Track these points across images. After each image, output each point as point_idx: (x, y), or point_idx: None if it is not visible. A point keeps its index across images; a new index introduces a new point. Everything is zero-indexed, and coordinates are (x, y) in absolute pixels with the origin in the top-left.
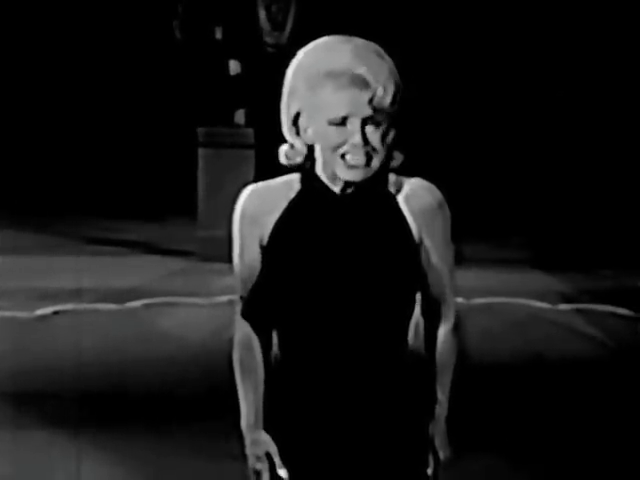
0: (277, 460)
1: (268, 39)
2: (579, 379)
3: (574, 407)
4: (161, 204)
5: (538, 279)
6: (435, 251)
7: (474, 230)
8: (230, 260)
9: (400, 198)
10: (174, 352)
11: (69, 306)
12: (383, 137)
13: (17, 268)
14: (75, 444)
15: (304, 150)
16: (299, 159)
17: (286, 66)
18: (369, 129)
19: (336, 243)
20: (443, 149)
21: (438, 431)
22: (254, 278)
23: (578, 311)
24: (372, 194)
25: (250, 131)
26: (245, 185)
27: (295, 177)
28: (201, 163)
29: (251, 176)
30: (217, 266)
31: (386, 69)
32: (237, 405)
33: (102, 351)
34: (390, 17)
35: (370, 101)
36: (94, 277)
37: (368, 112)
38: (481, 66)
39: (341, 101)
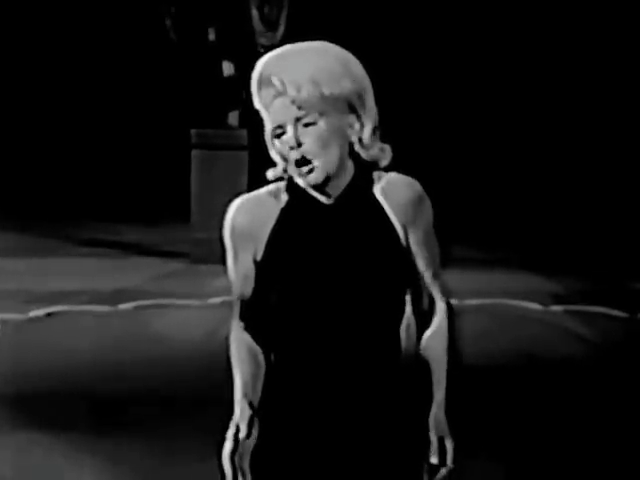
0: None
1: (261, 40)
2: (570, 380)
3: (565, 408)
4: (154, 206)
5: (529, 280)
6: (421, 244)
7: (465, 231)
8: (223, 262)
9: (383, 198)
10: (167, 354)
11: (62, 308)
12: (321, 135)
13: (10, 270)
14: (68, 445)
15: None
16: (279, 173)
17: None
18: (303, 131)
19: (329, 252)
20: (435, 150)
21: (440, 422)
22: (249, 288)
23: (569, 312)
24: (357, 197)
25: (243, 132)
26: (238, 186)
27: (281, 186)
28: (194, 165)
29: (245, 178)
30: (210, 268)
31: (306, 70)
32: (231, 405)
33: (95, 353)
34: (383, 17)
35: (293, 102)
36: (87, 279)
37: (297, 113)
38: (472, 67)
39: (272, 112)
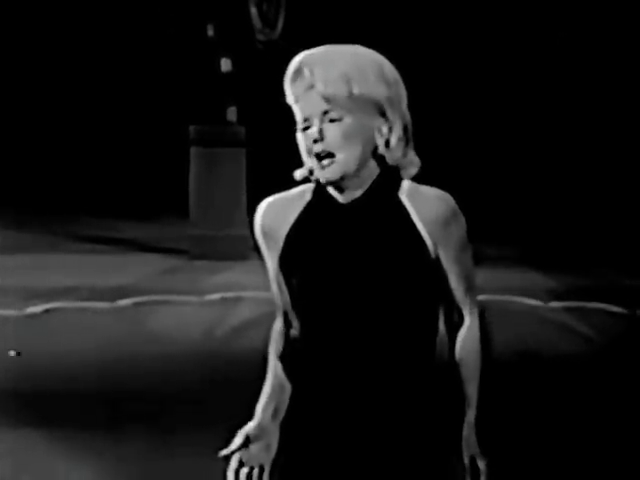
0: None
1: (259, 36)
2: (569, 376)
3: (564, 404)
4: (153, 202)
5: (529, 276)
6: (453, 259)
7: (466, 227)
8: (221, 258)
9: (412, 208)
10: (165, 350)
11: (60, 304)
12: (346, 131)
13: (8, 266)
14: (66, 441)
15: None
16: (305, 173)
17: (277, 63)
18: (328, 126)
19: (343, 255)
20: (436, 146)
21: (470, 438)
22: (283, 292)
23: (569, 309)
24: (380, 202)
25: (242, 129)
26: (236, 183)
27: (309, 187)
28: (193, 161)
29: (243, 174)
30: (208, 264)
31: (338, 66)
32: (229, 402)
33: (93, 349)
34: (382, 14)
35: (320, 97)
36: (85, 275)
37: (324, 107)
38: (476, 66)
39: (301, 105)
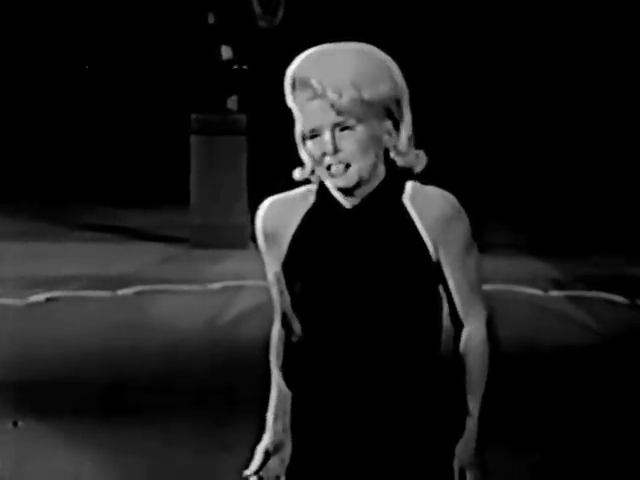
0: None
1: (260, 23)
2: (570, 366)
3: (565, 394)
4: (154, 191)
5: (530, 265)
6: (454, 260)
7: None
8: (222, 246)
9: (414, 210)
10: (167, 339)
11: (61, 293)
12: (359, 141)
13: (9, 254)
14: (67, 431)
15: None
16: (306, 174)
17: (278, 51)
18: (340, 136)
19: (347, 259)
20: (440, 135)
21: (466, 448)
22: (283, 290)
23: (569, 298)
24: (383, 206)
25: (243, 117)
26: (237, 171)
27: (312, 188)
28: (193, 150)
29: (244, 162)
30: (209, 252)
31: (347, 73)
32: (231, 390)
33: (94, 338)
34: (381, 3)
35: (332, 107)
36: (86, 264)
37: (335, 119)
38: (478, 58)
39: (308, 114)
